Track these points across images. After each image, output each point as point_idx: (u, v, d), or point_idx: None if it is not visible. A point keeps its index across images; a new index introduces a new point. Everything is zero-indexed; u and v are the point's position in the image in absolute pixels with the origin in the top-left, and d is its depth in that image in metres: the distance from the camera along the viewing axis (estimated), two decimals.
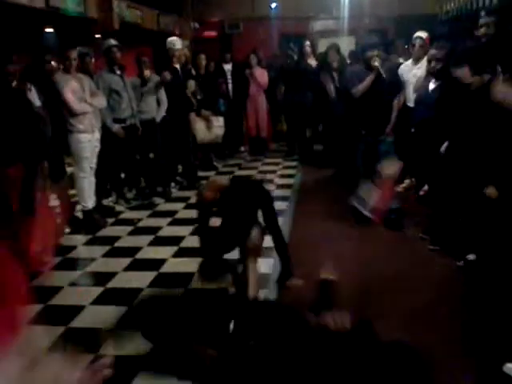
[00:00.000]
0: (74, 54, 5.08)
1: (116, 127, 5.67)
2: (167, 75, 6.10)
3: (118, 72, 5.80)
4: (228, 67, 8.76)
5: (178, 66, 6.67)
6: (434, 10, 9.96)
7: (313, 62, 7.98)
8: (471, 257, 3.91)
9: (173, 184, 6.94)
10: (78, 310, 3.55)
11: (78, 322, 3.39)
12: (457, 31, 7.15)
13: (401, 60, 6.39)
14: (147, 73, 6.11)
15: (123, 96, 5.77)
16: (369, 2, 11.10)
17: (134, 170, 6.29)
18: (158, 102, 6.30)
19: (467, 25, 5.87)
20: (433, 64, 4.55)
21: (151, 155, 6.39)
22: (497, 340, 2.90)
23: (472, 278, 3.70)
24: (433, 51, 4.58)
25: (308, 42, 8.14)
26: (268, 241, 4.70)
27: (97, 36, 8.06)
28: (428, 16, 9.57)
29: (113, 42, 5.88)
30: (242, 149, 9.28)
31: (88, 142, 5.20)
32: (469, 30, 5.06)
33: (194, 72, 7.56)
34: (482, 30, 4.11)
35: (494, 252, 3.57)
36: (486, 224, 3.72)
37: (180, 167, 7.39)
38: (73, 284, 4.03)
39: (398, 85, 5.32)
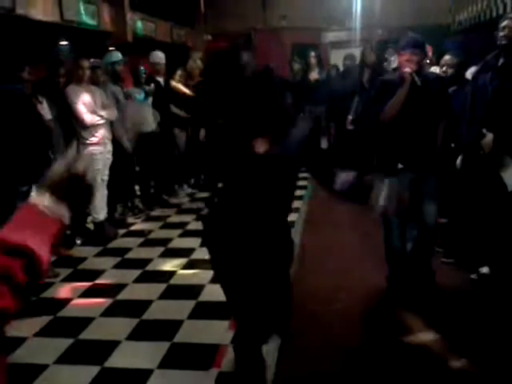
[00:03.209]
0: (86, 64, 5.13)
1: (127, 142, 5.73)
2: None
3: (119, 83, 5.87)
4: None
5: (161, 79, 6.79)
6: (446, 20, 9.93)
7: (315, 74, 7.92)
8: (484, 270, 3.86)
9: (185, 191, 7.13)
10: (87, 321, 3.54)
11: (87, 334, 3.38)
12: (470, 42, 7.10)
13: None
14: (151, 87, 6.30)
15: (124, 107, 5.82)
16: (381, 13, 11.09)
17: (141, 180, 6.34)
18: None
19: (481, 35, 5.81)
20: (444, 69, 4.50)
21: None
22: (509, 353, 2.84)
23: (485, 291, 3.64)
24: (447, 57, 4.55)
25: (313, 53, 8.06)
26: None
27: (111, 49, 8.14)
28: (441, 27, 9.54)
29: (119, 56, 5.91)
30: None
31: (100, 154, 5.23)
32: (484, 39, 4.99)
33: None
34: (505, 32, 3.92)
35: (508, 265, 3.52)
36: (500, 237, 3.67)
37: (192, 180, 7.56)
38: (82, 295, 4.03)
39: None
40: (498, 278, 3.69)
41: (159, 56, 6.77)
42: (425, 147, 3.53)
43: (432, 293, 3.62)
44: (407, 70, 3.44)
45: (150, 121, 6.25)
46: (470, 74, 4.46)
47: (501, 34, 3.67)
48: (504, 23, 3.65)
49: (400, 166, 3.56)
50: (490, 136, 3.63)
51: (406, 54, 3.47)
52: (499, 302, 3.43)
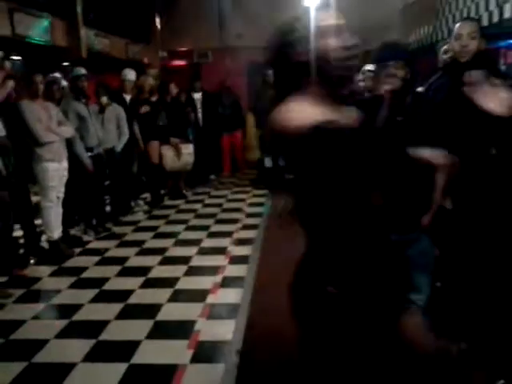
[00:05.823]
0: (39, 79, 5.03)
1: (87, 159, 5.67)
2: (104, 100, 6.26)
3: (83, 100, 5.81)
4: (197, 96, 8.84)
5: (128, 96, 7.06)
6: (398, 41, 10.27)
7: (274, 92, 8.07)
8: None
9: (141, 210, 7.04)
10: (41, 344, 3.44)
11: (41, 357, 3.29)
12: (418, 63, 7.37)
13: None
14: (104, 100, 6.25)
15: (89, 124, 5.77)
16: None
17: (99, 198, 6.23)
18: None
19: (427, 57, 6.02)
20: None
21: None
22: None
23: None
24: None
25: (271, 71, 8.19)
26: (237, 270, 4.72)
27: (64, 64, 8.03)
28: None
29: (82, 71, 5.90)
30: (212, 177, 9.31)
31: (55, 170, 5.12)
32: (429, 61, 5.18)
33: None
34: (449, 55, 4.09)
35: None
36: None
37: (148, 196, 7.52)
38: (36, 317, 3.92)
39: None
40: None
41: (127, 73, 7.12)
42: (413, 196, 2.52)
43: None
44: (387, 87, 2.35)
45: (110, 137, 6.22)
46: None
47: (444, 56, 3.85)
48: (446, 46, 3.82)
49: None
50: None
51: (389, 67, 2.53)
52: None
